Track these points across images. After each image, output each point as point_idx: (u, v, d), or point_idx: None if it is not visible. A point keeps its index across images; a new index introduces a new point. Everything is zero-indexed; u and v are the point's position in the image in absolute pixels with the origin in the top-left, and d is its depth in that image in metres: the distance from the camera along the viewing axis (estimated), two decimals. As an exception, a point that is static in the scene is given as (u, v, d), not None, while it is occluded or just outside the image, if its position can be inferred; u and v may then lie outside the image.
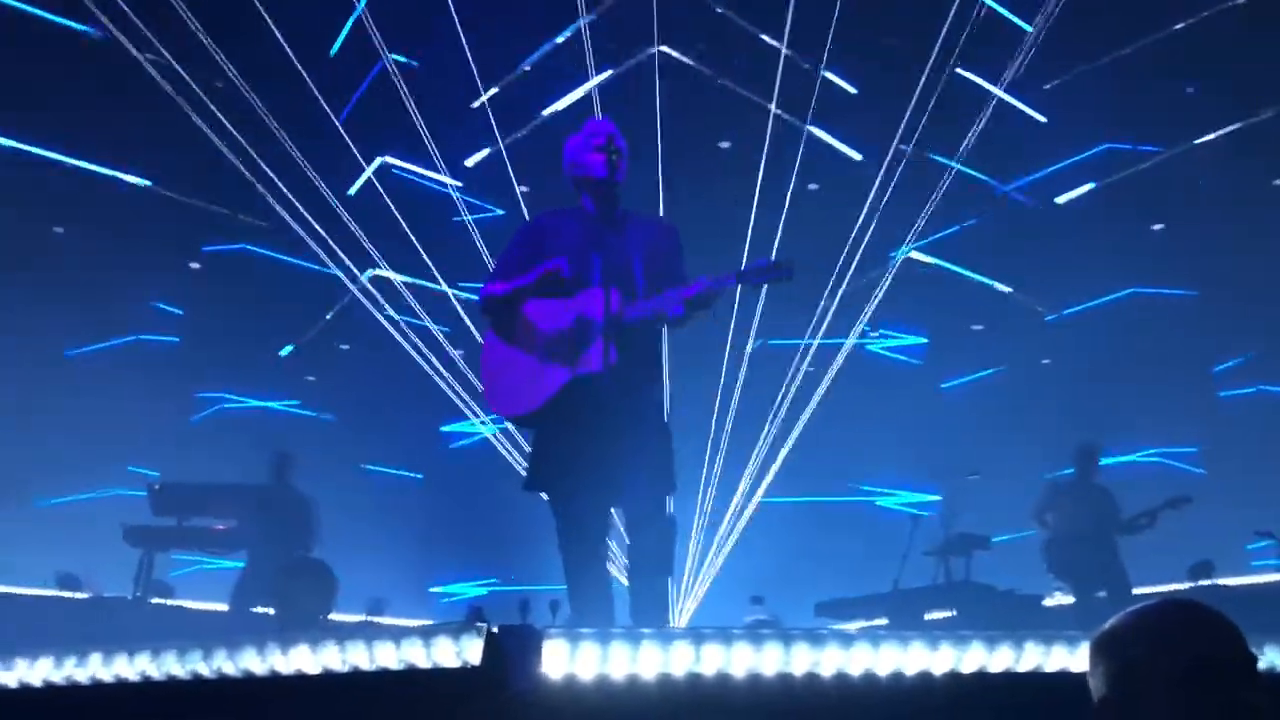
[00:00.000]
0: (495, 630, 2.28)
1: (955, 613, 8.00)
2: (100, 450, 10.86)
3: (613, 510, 3.97)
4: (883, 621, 8.11)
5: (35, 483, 10.58)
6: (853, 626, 7.58)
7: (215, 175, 9.74)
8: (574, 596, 3.74)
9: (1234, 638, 1.62)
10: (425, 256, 9.51)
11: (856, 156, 9.58)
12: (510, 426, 7.73)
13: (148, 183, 10.19)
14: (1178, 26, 8.91)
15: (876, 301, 9.74)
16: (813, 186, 9.87)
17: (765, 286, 3.90)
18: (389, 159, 9.81)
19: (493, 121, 9.23)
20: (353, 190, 9.58)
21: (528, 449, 4.09)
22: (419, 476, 12.42)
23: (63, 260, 10.55)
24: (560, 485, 3.79)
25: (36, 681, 2.59)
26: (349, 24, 9.05)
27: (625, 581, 3.81)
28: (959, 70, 8.46)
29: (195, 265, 11.40)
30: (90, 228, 10.46)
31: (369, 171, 9.53)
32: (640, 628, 2.75)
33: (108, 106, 9.26)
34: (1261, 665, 1.78)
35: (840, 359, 9.89)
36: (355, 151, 9.36)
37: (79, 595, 8.63)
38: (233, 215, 10.63)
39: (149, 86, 8.97)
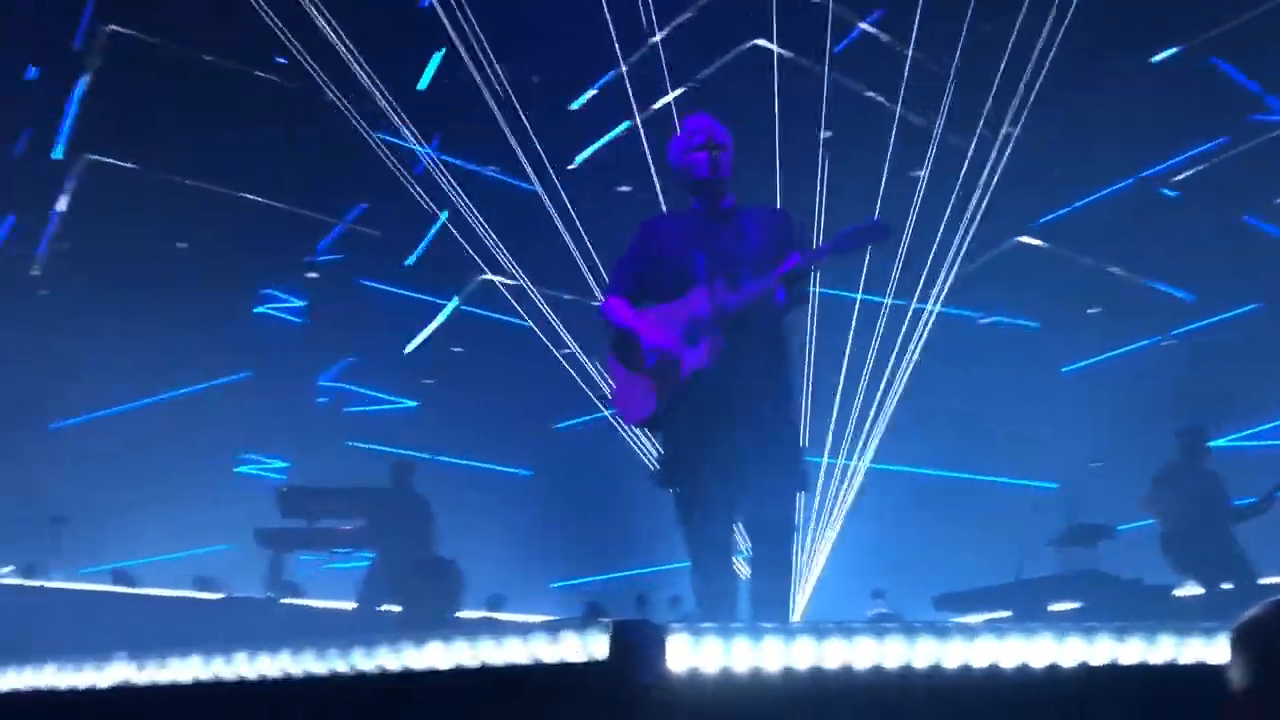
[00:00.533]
0: (618, 625, 2.32)
1: (1080, 604, 7.79)
2: (225, 456, 11.34)
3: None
4: (1005, 614, 7.95)
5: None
6: (974, 619, 7.45)
7: (325, 184, 10.08)
8: (697, 592, 3.77)
9: None
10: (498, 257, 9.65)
11: (959, 141, 9.35)
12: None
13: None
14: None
15: (984, 283, 9.56)
16: (915, 173, 9.76)
17: (863, 251, 3.79)
18: (491, 169, 9.99)
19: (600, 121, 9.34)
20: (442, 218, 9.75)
21: (638, 440, 4.13)
22: (528, 473, 12.63)
23: (185, 272, 11.03)
24: (684, 482, 3.83)
25: (186, 679, 2.72)
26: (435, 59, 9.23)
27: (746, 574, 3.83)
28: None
29: (313, 275, 11.78)
30: (211, 241, 10.91)
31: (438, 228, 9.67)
32: (760, 623, 2.76)
33: (223, 125, 9.64)
34: None
35: (920, 330, 9.66)
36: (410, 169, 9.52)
37: (214, 596, 9.00)
38: (345, 225, 10.96)
39: (263, 102, 9.33)
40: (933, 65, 9.04)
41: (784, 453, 3.81)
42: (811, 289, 3.87)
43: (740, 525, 3.89)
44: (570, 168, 10.19)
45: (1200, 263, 10.45)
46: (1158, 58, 9.39)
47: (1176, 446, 8.16)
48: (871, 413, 9.47)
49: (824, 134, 8.89)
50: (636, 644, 2.28)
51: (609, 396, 4.13)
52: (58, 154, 10.00)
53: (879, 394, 9.51)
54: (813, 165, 9.38)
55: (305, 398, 12.03)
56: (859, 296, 9.59)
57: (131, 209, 10.16)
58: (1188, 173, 10.14)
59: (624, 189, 9.78)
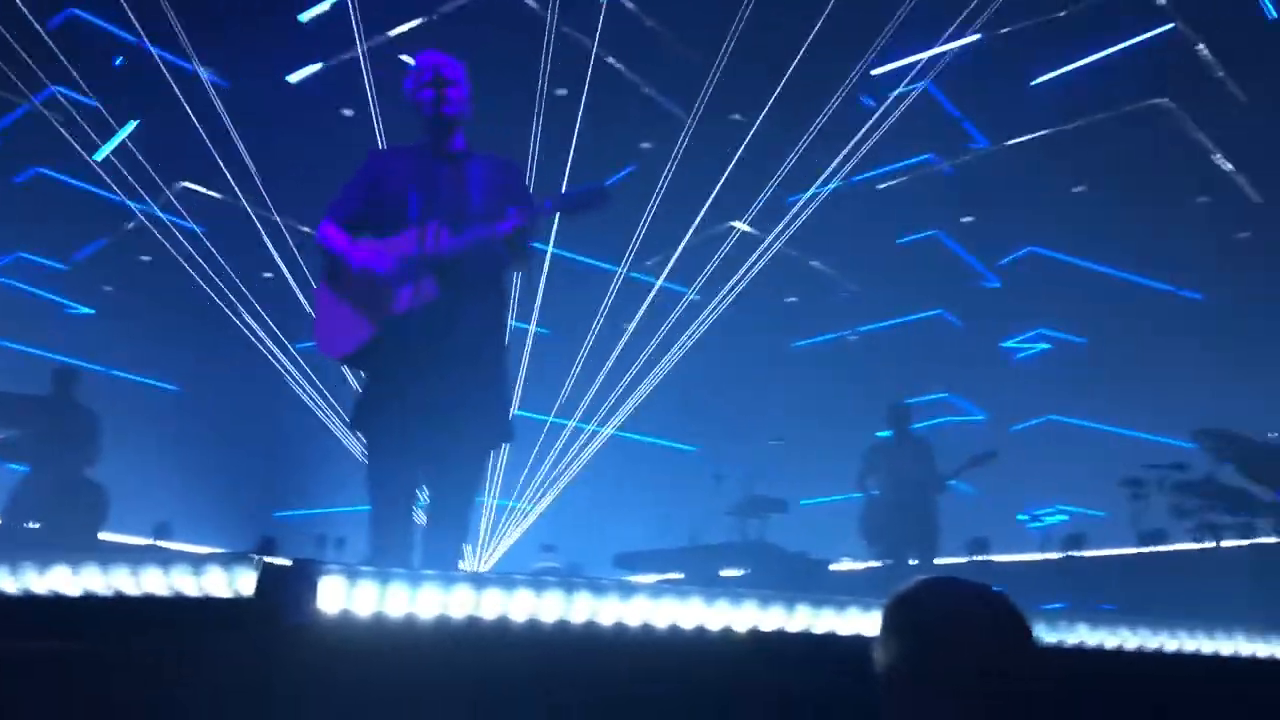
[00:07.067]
0: (267, 563, 2.22)
1: (748, 571, 8.26)
2: None
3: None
4: (678, 575, 8.31)
5: None
6: (650, 579, 7.75)
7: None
8: (371, 540, 3.69)
9: (1025, 631, 1.72)
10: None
11: (683, 116, 9.28)
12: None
13: None
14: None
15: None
16: (645, 145, 9.89)
17: (586, 213, 3.76)
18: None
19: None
20: None
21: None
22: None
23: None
24: (377, 427, 3.73)
25: None
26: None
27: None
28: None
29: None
30: None
31: None
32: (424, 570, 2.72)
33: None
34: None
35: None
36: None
37: None
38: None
39: None
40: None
41: (486, 407, 3.76)
42: (537, 245, 3.86)
43: (426, 476, 3.80)
44: (291, 79, 9.64)
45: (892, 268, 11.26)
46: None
47: (886, 422, 8.49)
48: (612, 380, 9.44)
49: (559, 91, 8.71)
50: (285, 582, 2.20)
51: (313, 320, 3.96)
52: None
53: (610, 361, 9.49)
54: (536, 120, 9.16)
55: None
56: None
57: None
58: (893, 181, 10.68)
59: (347, 112, 9.36)
